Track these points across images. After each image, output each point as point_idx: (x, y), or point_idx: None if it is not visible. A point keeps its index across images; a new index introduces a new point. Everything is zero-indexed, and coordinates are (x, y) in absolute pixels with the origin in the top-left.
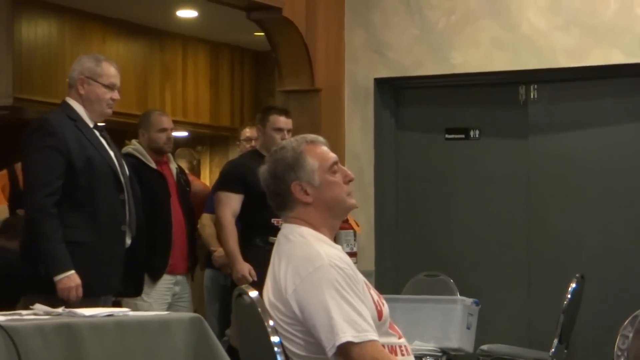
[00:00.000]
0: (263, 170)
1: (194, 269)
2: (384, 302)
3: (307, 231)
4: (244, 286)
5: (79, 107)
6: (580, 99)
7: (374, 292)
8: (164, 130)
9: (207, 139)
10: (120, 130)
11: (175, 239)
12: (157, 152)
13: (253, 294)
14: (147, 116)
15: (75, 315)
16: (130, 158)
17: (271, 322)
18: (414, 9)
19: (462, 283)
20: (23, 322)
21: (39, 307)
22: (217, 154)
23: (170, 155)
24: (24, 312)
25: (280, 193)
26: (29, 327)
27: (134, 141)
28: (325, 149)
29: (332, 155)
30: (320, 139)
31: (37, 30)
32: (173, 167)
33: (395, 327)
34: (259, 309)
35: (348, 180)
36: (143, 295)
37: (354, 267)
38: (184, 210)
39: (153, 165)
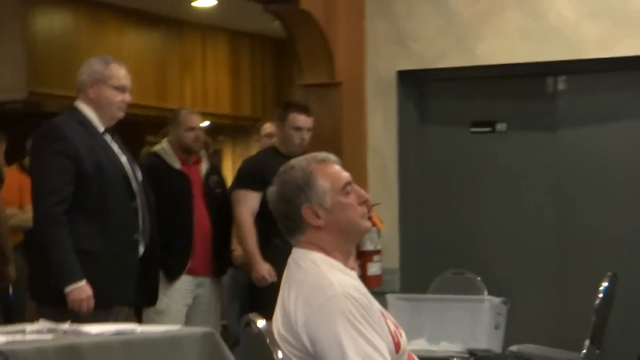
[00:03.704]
0: (271, 191)
1: (222, 273)
2: (402, 332)
3: (319, 257)
4: (251, 315)
5: (89, 111)
6: (609, 90)
7: (391, 321)
8: (192, 129)
9: (229, 129)
10: (139, 122)
11: (197, 241)
12: (186, 151)
13: (261, 323)
14: (176, 114)
15: (80, 334)
16: (154, 157)
17: (280, 354)
18: None
19: (490, 281)
20: (24, 344)
21: (44, 323)
22: (239, 144)
23: (202, 154)
24: (28, 327)
25: (289, 216)
26: (30, 351)
27: (164, 140)
28: (337, 168)
29: (345, 175)
30: (332, 157)
31: (52, 22)
32: (204, 167)
33: (414, 357)
34: (267, 340)
35: (362, 201)
36: (161, 295)
37: (369, 296)
38: (210, 212)
39: (176, 165)
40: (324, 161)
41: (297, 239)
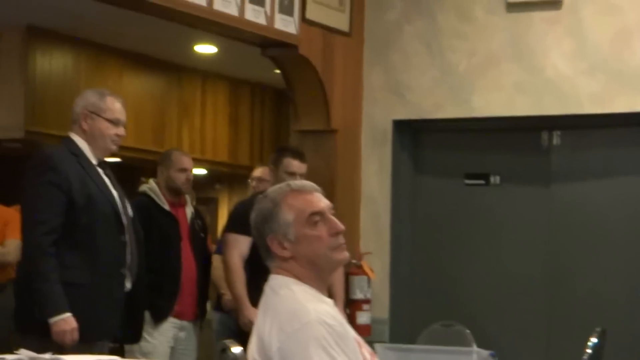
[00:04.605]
0: (250, 219)
1: (203, 317)
2: None
3: (295, 284)
4: (227, 341)
5: (82, 143)
6: (604, 146)
7: (366, 350)
8: (184, 170)
9: (226, 177)
10: (135, 166)
11: (184, 284)
12: (174, 192)
13: (236, 350)
14: (168, 154)
15: None
16: (143, 197)
17: None
18: (434, 50)
19: (479, 334)
20: None
21: (24, 353)
22: (236, 192)
23: (188, 197)
24: (8, 357)
25: (261, 245)
26: None
27: (151, 180)
28: (308, 198)
29: (316, 206)
30: (308, 185)
31: (51, 62)
32: (189, 210)
33: None
34: None
35: (334, 233)
36: (147, 336)
37: (344, 323)
38: (196, 256)
39: (166, 207)
40: (296, 190)
41: (272, 266)
